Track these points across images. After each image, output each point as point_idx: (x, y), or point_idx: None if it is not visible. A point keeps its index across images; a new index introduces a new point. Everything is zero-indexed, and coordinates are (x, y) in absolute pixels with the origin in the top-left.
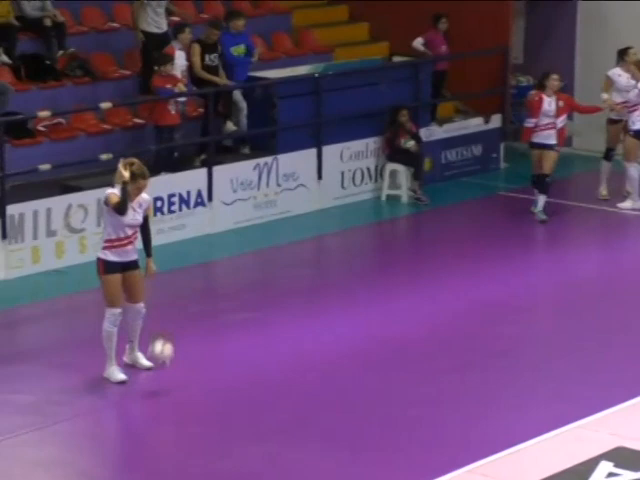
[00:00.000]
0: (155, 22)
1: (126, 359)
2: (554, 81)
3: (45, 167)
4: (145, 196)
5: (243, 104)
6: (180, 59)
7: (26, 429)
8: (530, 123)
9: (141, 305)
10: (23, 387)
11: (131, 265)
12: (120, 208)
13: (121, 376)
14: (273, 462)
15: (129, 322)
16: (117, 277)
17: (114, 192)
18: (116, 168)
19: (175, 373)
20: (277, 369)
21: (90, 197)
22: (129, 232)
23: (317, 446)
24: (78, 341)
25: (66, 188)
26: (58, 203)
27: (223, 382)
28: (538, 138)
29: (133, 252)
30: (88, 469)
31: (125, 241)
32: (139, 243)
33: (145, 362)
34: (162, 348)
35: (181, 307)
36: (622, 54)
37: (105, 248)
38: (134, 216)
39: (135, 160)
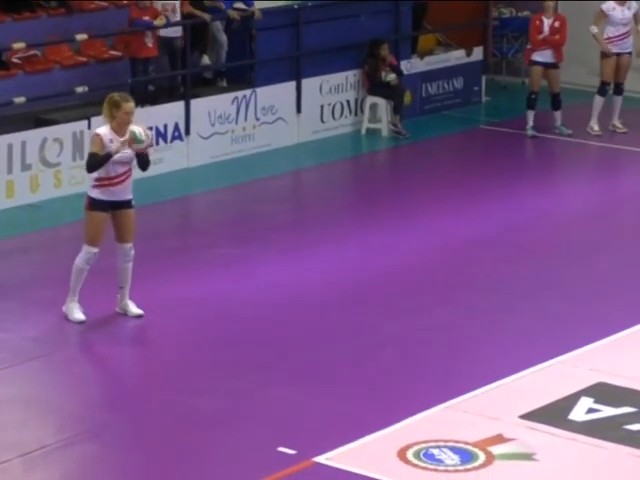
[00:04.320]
0: None
1: (117, 309)
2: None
3: (20, 100)
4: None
5: (223, 37)
6: None
7: None
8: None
9: (129, 245)
10: None
11: (123, 204)
12: (90, 164)
13: (80, 316)
14: (252, 398)
15: (118, 265)
16: (101, 215)
17: (100, 135)
18: (93, 102)
19: (152, 310)
20: (255, 305)
21: (65, 130)
22: (120, 170)
23: (296, 382)
24: (52, 278)
25: (41, 121)
26: (33, 137)
27: (200, 318)
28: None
29: (125, 191)
30: (62, 405)
31: (115, 180)
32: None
33: (135, 310)
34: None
35: (157, 242)
36: None
37: (94, 187)
38: (123, 151)
39: (113, 93)
